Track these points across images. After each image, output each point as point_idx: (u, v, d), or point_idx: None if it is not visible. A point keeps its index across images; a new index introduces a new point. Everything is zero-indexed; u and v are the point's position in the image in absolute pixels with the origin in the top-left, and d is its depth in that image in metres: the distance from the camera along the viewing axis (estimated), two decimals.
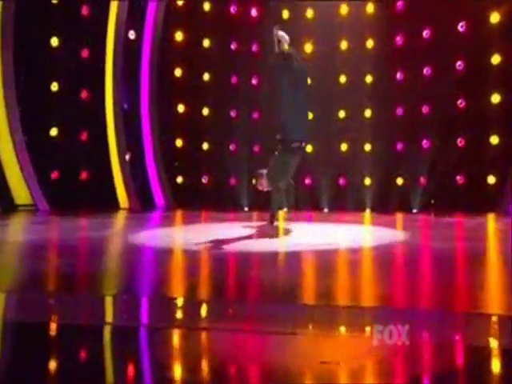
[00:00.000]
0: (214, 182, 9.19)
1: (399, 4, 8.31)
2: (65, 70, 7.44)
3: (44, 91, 7.27)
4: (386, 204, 8.26)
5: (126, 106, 8.35)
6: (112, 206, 8.05)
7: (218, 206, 8.70)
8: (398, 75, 8.40)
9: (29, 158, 6.87)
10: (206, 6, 9.08)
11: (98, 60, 7.88)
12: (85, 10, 7.59)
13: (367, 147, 8.60)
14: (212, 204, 8.79)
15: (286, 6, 8.80)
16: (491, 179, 7.91)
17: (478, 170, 8.06)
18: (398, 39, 8.27)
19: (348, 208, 8.44)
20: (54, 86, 7.32)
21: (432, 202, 8.19)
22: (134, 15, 8.13)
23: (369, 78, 8.56)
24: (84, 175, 7.85)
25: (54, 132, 7.42)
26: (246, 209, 8.93)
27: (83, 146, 7.83)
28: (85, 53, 7.73)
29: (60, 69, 7.38)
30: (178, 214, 8.20)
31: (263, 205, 8.29)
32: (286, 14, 8.83)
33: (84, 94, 7.81)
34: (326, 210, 8.61)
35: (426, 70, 8.26)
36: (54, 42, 7.27)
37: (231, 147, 9.14)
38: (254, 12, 9.04)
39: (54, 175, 7.45)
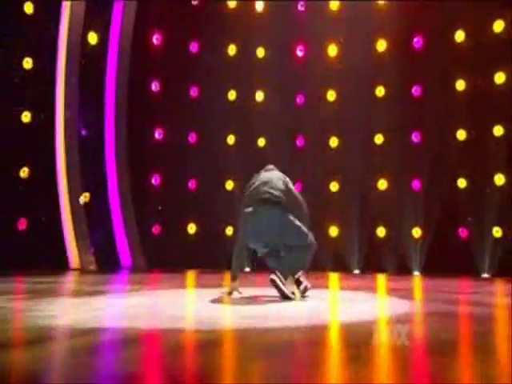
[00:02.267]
0: (201, 232, 7.82)
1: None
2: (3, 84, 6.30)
3: None
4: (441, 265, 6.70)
5: (83, 132, 7.10)
6: (61, 265, 6.72)
7: (205, 265, 7.25)
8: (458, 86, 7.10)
9: None
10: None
11: (48, 73, 6.73)
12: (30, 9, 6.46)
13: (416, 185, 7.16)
14: (199, 261, 7.33)
15: None
16: None
17: None
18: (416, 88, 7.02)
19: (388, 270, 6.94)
20: None
21: None
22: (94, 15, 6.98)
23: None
24: (22, 225, 6.53)
25: None
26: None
27: (24, 187, 6.55)
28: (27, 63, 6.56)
29: None
30: (147, 275, 6.79)
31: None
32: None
33: (25, 117, 6.58)
34: (356, 272, 7.12)
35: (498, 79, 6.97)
36: None
37: (228, 184, 7.86)
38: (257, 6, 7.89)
39: None
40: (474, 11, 6.99)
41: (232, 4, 7.93)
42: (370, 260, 7.14)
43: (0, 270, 5.72)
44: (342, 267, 7.10)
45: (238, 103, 7.88)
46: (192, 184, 7.89)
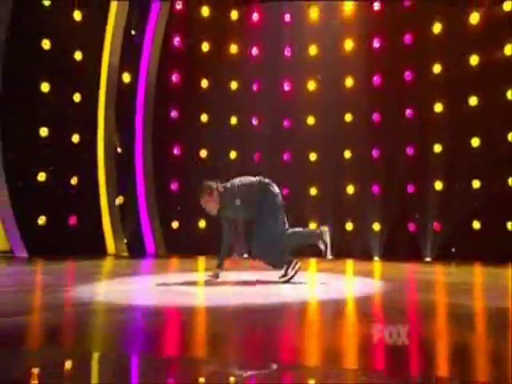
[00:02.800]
0: (211, 227, 9.04)
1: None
2: (56, 114, 7.55)
3: (33, 136, 7.34)
4: (395, 251, 7.87)
5: (120, 150, 8.38)
6: (100, 251, 7.93)
7: (215, 253, 8.43)
8: (408, 112, 8.34)
9: (10, 205, 6.83)
10: (204, 47, 9.29)
11: (90, 104, 8.00)
12: (77, 55, 7.78)
13: (376, 190, 8.39)
14: (210, 250, 8.53)
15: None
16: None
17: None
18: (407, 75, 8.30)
19: (355, 255, 8.12)
20: (43, 131, 7.39)
21: (453, 250, 7.74)
22: (128, 54, 8.32)
23: (376, 117, 8.52)
24: (73, 220, 7.77)
25: (42, 177, 7.42)
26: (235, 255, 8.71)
27: (74, 191, 7.80)
28: (77, 96, 7.85)
29: (51, 113, 7.48)
30: (170, 260, 7.96)
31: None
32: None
33: (76, 138, 7.86)
34: (329, 258, 8.32)
35: (437, 107, 8.17)
36: (45, 87, 7.40)
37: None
38: (255, 51, 9.24)
39: (41, 221, 7.39)
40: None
41: (233, 49, 9.27)
42: (341, 248, 8.32)
43: (58, 255, 6.93)
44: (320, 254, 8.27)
45: (238, 127, 9.16)
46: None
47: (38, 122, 7.33)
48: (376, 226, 8.24)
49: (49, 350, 2.23)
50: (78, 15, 7.73)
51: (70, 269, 6.30)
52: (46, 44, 7.34)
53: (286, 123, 9.05)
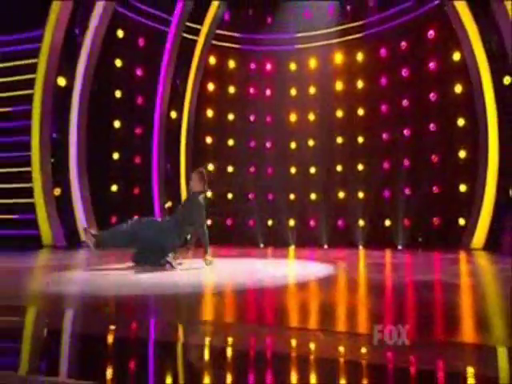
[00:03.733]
0: (235, 223, 10.38)
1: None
2: (123, 142, 9.03)
3: (108, 157, 8.83)
4: (375, 241, 8.89)
5: (168, 166, 9.76)
6: None
7: (239, 243, 9.66)
8: (384, 135, 9.43)
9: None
10: (231, 90, 10.68)
11: (148, 135, 9.42)
12: (140, 100, 9.29)
13: (360, 195, 9.51)
14: (234, 241, 9.81)
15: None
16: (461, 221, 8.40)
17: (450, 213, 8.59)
18: (384, 107, 9.41)
19: (344, 245, 9.17)
20: (116, 155, 8.88)
21: (419, 239, 8.68)
22: (175, 97, 9.75)
23: (360, 139, 9.67)
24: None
25: (114, 188, 8.88)
26: (261, 245, 9.92)
27: (135, 199, 9.20)
28: (138, 130, 9.33)
29: (120, 142, 8.96)
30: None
31: (276, 242, 9.49)
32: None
33: (138, 160, 9.30)
34: (325, 247, 9.41)
35: (406, 131, 9.21)
36: (117, 123, 8.91)
37: (250, 196, 10.36)
38: (268, 92, 10.56)
39: (113, 220, 8.80)
40: None
41: (252, 91, 10.61)
42: (334, 239, 9.41)
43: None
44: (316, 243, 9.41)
45: (256, 148, 10.45)
46: (252, 195, 10.39)
47: (112, 149, 8.79)
48: (360, 223, 9.28)
49: None
50: (139, 71, 9.23)
51: None
52: (117, 93, 8.83)
53: (292, 145, 10.31)
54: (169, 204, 9.48)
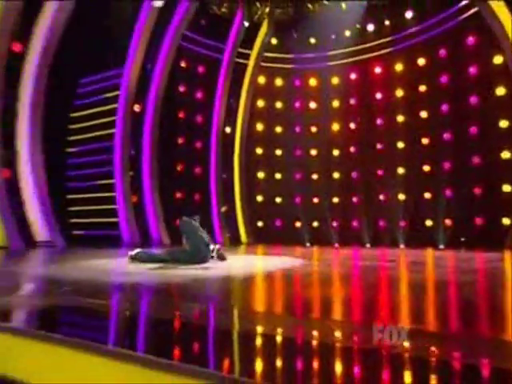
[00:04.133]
0: (284, 225, 11.65)
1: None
2: (186, 155, 10.77)
3: (173, 168, 10.59)
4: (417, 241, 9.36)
5: (224, 176, 11.32)
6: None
7: (286, 242, 10.83)
8: (424, 140, 10.14)
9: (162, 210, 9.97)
10: (278, 105, 12.03)
11: (206, 148, 11.06)
12: (199, 119, 11.00)
13: (401, 197, 10.27)
14: (283, 241, 11.04)
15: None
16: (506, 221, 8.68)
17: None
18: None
19: (385, 244, 9.93)
20: (179, 166, 10.65)
21: (462, 239, 9.17)
22: (229, 114, 11.33)
23: (400, 144, 10.47)
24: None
25: (178, 195, 10.61)
26: (307, 244, 11.05)
27: (196, 204, 10.84)
28: (198, 144, 11.02)
29: (183, 155, 10.70)
30: (257, 247, 10.47)
31: (321, 241, 10.50)
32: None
33: (198, 170, 10.99)
34: (368, 246, 10.30)
35: (446, 135, 9.84)
36: (180, 140, 10.67)
37: (297, 200, 11.58)
38: (312, 104, 11.76)
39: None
40: None
41: (297, 105, 11.88)
42: (376, 239, 10.22)
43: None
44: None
45: (302, 157, 11.63)
46: (298, 199, 11.59)
47: (176, 161, 10.52)
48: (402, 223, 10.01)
49: None
50: (199, 94, 10.94)
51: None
52: (181, 114, 10.59)
53: (335, 152, 11.36)
54: (224, 208, 10.98)
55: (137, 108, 9.57)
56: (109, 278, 3.61)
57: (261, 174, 11.76)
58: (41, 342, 1.44)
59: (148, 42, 9.45)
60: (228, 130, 11.14)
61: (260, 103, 11.89)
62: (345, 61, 11.12)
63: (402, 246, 9.80)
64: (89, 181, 9.73)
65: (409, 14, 10.33)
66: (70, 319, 1.99)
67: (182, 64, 10.55)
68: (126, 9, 9.38)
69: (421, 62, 10.17)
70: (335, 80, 11.40)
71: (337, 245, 10.59)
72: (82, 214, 9.81)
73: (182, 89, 10.58)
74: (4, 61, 7.58)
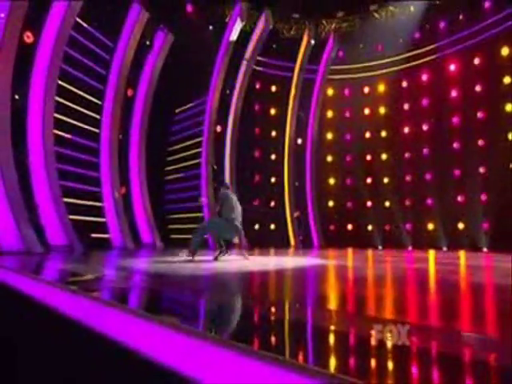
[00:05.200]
0: (355, 228, 13.51)
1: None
2: (262, 167, 13.22)
3: (251, 178, 13.11)
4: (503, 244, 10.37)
5: (297, 183, 13.55)
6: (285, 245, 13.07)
7: (359, 246, 12.64)
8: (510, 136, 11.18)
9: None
10: (347, 113, 13.82)
11: (279, 159, 13.40)
12: (273, 133, 13.35)
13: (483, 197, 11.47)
14: (355, 244, 12.87)
15: None
16: None
17: None
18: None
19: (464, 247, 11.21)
20: (257, 177, 13.14)
21: None
22: (300, 127, 13.51)
23: (480, 142, 11.69)
24: (272, 226, 13.24)
25: (255, 202, 13.12)
26: (379, 247, 12.78)
27: (271, 210, 13.25)
28: (273, 156, 13.41)
29: (259, 167, 13.18)
30: (327, 250, 12.49)
31: (394, 245, 12.31)
32: None
33: (273, 180, 13.38)
34: (444, 249, 11.76)
35: None
36: (257, 153, 13.17)
37: (368, 204, 13.36)
38: (382, 110, 13.39)
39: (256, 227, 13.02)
40: None
41: (367, 111, 13.61)
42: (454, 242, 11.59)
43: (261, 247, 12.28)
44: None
45: (373, 162, 13.36)
46: (351, 204, 13.64)
47: (254, 171, 13.07)
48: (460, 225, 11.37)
49: None
50: (272, 111, 13.33)
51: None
52: (257, 130, 13.25)
53: (406, 154, 12.91)
54: (297, 214, 13.24)
55: (218, 129, 12.18)
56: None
57: (331, 180, 13.76)
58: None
59: (226, 71, 11.96)
60: (299, 141, 13.27)
61: (329, 113, 13.87)
62: (414, 63, 12.52)
63: (484, 249, 10.97)
64: (182, 192, 12.66)
65: (486, 4, 11.21)
66: None
67: (257, 86, 12.94)
68: (208, 44, 12.01)
69: (504, 52, 11.23)
70: (404, 83, 12.82)
71: (410, 248, 11.97)
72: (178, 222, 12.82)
73: (257, 107, 12.99)
74: (121, 104, 10.62)
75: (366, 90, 13.82)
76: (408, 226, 12.59)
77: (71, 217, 9.37)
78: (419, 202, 12.56)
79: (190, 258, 5.81)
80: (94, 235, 10.18)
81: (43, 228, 8.62)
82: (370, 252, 10.34)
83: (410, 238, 12.43)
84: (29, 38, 8.74)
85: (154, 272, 4.19)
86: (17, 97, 8.60)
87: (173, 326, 1.64)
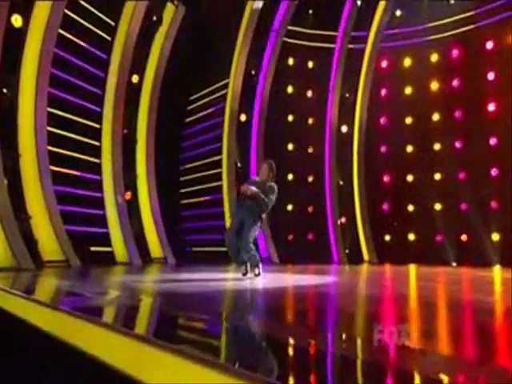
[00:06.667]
0: (420, 239, 13.51)
1: None
2: (296, 163, 13.70)
3: (284, 179, 13.61)
4: None
5: (341, 182, 13.85)
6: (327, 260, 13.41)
7: (424, 261, 12.62)
8: None
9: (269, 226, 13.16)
10: (407, 90, 13.90)
11: (319, 153, 13.79)
12: (310, 121, 13.78)
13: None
14: (418, 259, 12.87)
15: None
16: None
17: None
18: None
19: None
20: (290, 175, 13.62)
21: None
22: (345, 111, 13.80)
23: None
24: (310, 236, 13.67)
25: (289, 207, 13.59)
26: (453, 264, 12.65)
27: (309, 217, 13.67)
28: (310, 149, 13.85)
29: (294, 163, 13.65)
30: (383, 267, 12.65)
31: (472, 260, 12.22)
32: None
33: (310, 178, 13.81)
34: (454, 264, 11.60)
35: None
36: (290, 146, 13.64)
37: (437, 207, 13.34)
38: (455, 82, 13.31)
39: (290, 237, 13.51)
40: None
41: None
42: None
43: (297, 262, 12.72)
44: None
45: (440, 152, 13.38)
46: (413, 208, 13.80)
47: (287, 170, 13.55)
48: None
49: None
50: (309, 93, 13.74)
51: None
52: (290, 117, 13.58)
53: (491, 142, 12.79)
54: (342, 220, 13.53)
55: (242, 117, 12.76)
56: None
57: (387, 177, 13.90)
58: None
59: (251, 46, 12.49)
60: (344, 128, 13.56)
61: (383, 92, 14.07)
62: (505, 14, 12.26)
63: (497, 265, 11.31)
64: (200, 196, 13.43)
65: None
66: None
67: (289, 62, 13.37)
68: (228, 15, 12.58)
69: None
70: (489, 44, 12.83)
71: (498, 266, 11.74)
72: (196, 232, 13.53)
73: (290, 89, 13.46)
74: (124, 93, 11.47)
75: (434, 57, 13.71)
76: (494, 237, 12.30)
77: (67, 227, 10.35)
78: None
79: (255, 272, 6.62)
80: (93, 248, 11.15)
81: (35, 241, 9.64)
82: (441, 270, 10.28)
83: (497, 252, 12.04)
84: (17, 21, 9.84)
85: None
86: (5, 90, 9.69)
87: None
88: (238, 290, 5.41)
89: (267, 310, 3.94)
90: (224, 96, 13.10)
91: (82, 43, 11.23)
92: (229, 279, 6.91)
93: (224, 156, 13.20)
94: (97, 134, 11.69)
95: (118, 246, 11.61)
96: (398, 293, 5.37)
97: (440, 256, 12.87)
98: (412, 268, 11.04)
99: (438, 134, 13.52)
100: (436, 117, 13.73)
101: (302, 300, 4.62)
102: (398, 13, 13.84)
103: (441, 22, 13.32)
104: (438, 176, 13.58)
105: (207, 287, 5.58)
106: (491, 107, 12.50)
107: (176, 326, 3.14)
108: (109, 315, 3.57)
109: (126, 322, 3.34)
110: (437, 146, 13.66)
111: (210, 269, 9.17)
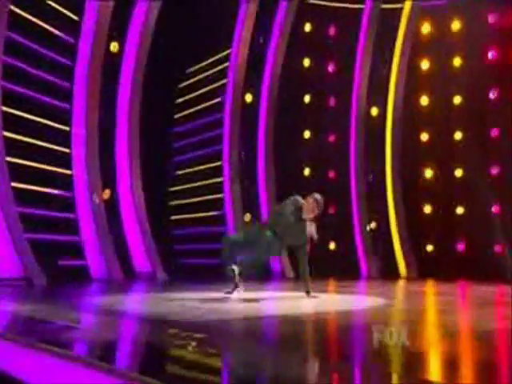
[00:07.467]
0: (472, 250, 12.52)
1: None
2: (315, 155, 12.83)
3: (299, 173, 12.70)
4: None
5: (371, 178, 12.87)
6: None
7: (477, 277, 11.63)
8: None
9: None
10: (456, 61, 12.86)
11: (343, 142, 12.84)
12: (332, 102, 12.88)
13: None
14: (470, 274, 11.88)
15: None
16: None
17: None
18: None
19: None
20: (306, 171, 12.70)
21: None
22: (376, 89, 12.84)
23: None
24: (331, 246, 12.74)
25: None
26: None
27: (331, 220, 12.72)
28: (331, 137, 12.88)
29: (312, 155, 12.75)
30: (429, 283, 11.65)
31: None
32: None
33: (332, 174, 12.87)
34: None
35: None
36: (307, 134, 12.73)
37: (494, 209, 12.36)
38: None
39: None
40: None
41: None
42: None
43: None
44: None
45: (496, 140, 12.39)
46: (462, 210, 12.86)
47: (303, 163, 12.66)
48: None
49: None
50: (330, 67, 12.82)
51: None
52: (306, 98, 12.73)
53: None
54: (373, 225, 12.56)
55: (248, 98, 11.89)
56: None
57: (429, 172, 12.99)
58: None
59: (258, 8, 11.63)
60: (375, 111, 12.66)
61: (425, 65, 13.12)
62: None
63: None
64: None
65: None
66: None
67: (306, 28, 12.45)
68: None
69: None
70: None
71: None
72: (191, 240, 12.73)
73: (306, 62, 12.54)
74: (102, 61, 10.61)
75: (491, 19, 12.63)
76: None
77: (28, 235, 9.55)
78: None
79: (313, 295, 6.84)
80: (62, 262, 10.32)
81: None
82: (503, 290, 9.29)
83: None
84: None
85: None
86: None
87: None
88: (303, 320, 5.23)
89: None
90: (225, 70, 12.21)
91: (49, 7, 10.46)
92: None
93: (225, 146, 12.42)
94: (66, 118, 10.72)
95: (93, 257, 10.75)
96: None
97: (497, 270, 12.03)
98: (474, 286, 10.07)
99: (497, 117, 12.46)
100: (492, 95, 12.79)
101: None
102: None
103: None
104: (495, 170, 12.60)
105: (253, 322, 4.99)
106: None
107: None
108: None
109: None
110: (494, 132, 12.70)
111: (219, 287, 8.07)
